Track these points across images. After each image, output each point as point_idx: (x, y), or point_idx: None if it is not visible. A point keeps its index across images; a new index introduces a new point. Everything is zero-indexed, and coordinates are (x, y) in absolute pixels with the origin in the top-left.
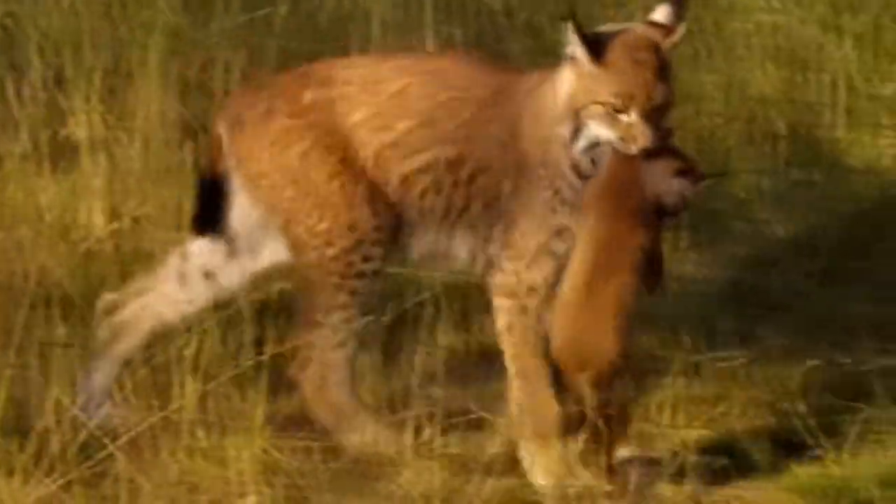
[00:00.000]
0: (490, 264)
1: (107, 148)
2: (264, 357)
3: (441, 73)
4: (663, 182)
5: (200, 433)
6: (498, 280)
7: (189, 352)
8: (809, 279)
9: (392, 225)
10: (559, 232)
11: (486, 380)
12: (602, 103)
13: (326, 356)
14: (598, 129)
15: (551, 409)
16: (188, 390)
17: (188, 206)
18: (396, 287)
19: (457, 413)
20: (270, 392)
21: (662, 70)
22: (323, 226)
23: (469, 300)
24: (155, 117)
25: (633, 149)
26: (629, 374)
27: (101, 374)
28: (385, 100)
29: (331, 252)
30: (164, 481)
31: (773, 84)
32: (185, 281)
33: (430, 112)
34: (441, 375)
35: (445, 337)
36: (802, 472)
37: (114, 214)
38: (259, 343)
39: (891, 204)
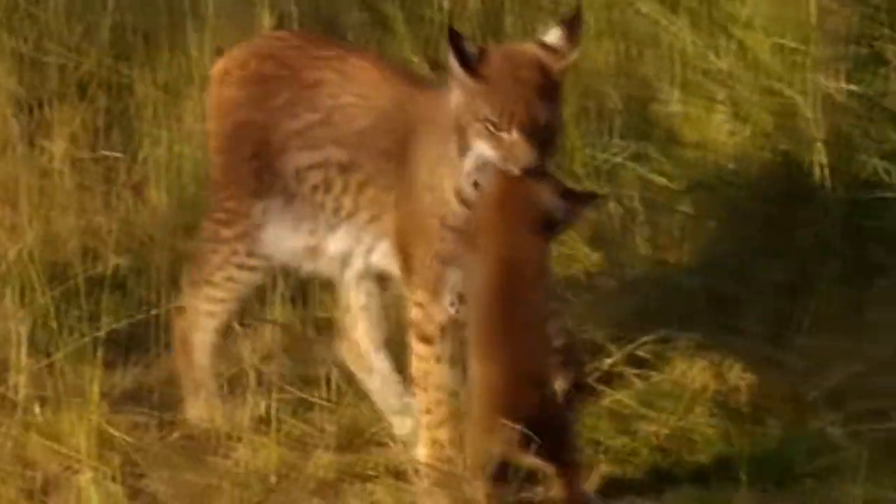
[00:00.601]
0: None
1: None
2: (100, 333)
3: (352, 75)
4: (551, 199)
5: (36, 409)
6: (413, 315)
7: (24, 327)
8: (643, 254)
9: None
10: (450, 261)
11: (323, 355)
12: (482, 121)
13: (198, 316)
14: (481, 148)
15: (461, 463)
16: (23, 366)
17: (24, 180)
18: None
19: (293, 389)
20: (106, 367)
21: (548, 91)
22: (230, 204)
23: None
24: None
25: (515, 168)
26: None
27: None
28: (301, 88)
29: (225, 233)
30: None
31: (608, 58)
32: None
33: (330, 111)
34: (278, 351)
35: (282, 312)
36: (637, 447)
37: None
38: (94, 318)
39: (724, 178)
